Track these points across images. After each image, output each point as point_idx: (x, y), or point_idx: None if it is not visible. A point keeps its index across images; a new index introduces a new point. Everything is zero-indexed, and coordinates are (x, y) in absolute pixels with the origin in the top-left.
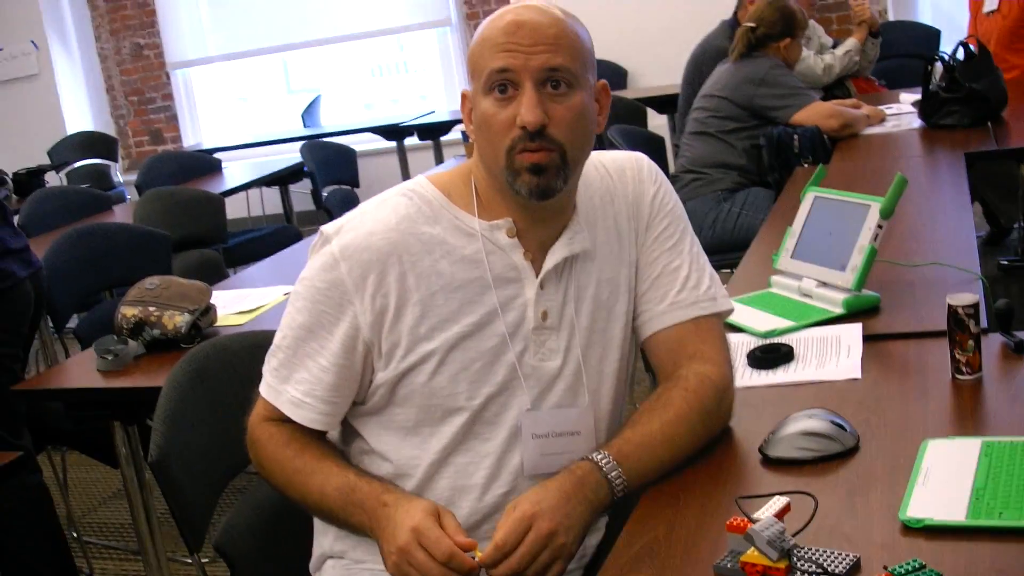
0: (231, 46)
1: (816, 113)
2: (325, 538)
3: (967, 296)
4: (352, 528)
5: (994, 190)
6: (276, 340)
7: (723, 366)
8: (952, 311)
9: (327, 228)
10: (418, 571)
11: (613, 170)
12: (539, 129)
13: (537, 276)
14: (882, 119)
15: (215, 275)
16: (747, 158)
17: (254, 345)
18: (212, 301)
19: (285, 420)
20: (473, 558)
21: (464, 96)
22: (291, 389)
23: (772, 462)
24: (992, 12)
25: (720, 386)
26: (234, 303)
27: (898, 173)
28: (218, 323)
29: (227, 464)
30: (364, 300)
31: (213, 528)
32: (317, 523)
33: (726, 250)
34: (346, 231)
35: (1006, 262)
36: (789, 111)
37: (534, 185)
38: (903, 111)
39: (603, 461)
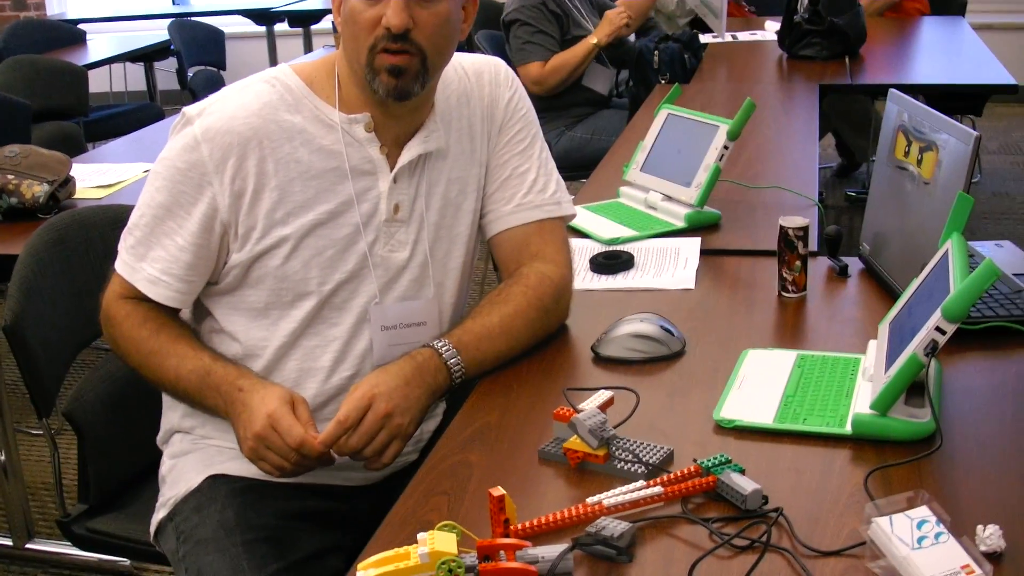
0: None
1: (527, 75)
2: (174, 413)
3: (798, 219)
4: (206, 409)
5: (849, 125)
6: (133, 219)
7: (563, 267)
8: (783, 232)
9: (189, 110)
10: (275, 454)
11: (471, 72)
12: (403, 32)
13: (391, 170)
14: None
15: (74, 148)
16: (578, 91)
17: (113, 219)
18: (71, 173)
19: (141, 298)
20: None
21: None
22: (148, 267)
23: (603, 360)
24: None
25: (559, 285)
26: (93, 177)
27: (748, 98)
28: (77, 196)
29: (79, 334)
30: (223, 182)
31: (60, 401)
32: (166, 398)
33: (580, 167)
34: (208, 114)
35: (853, 193)
36: (525, 57)
37: (392, 86)
38: (766, 38)
39: (443, 348)
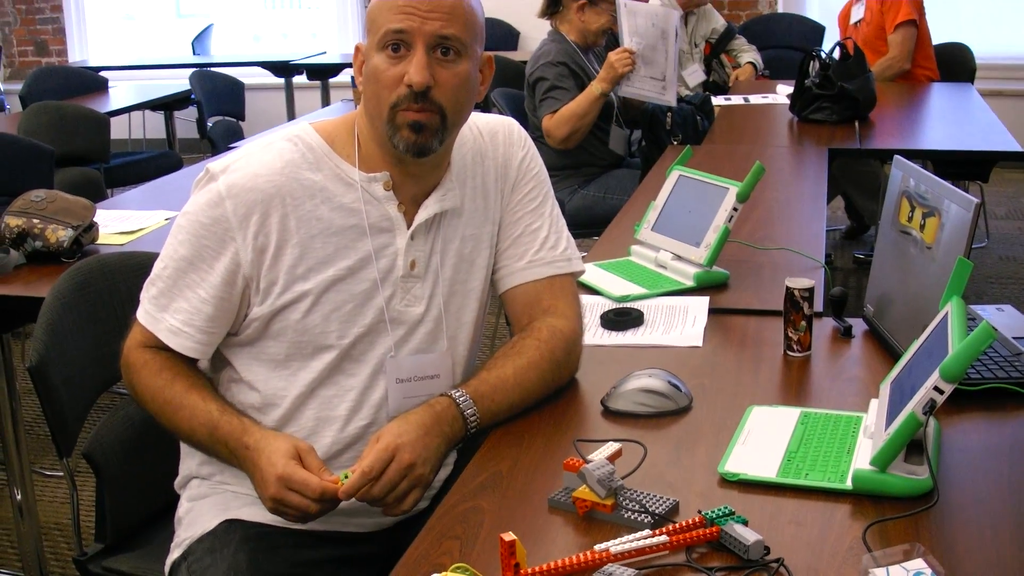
0: None
1: (543, 128)
2: (192, 460)
3: (804, 280)
4: (221, 460)
5: (858, 188)
6: (156, 270)
7: (574, 321)
8: (789, 293)
9: (213, 166)
10: (296, 510)
11: (486, 132)
12: (424, 90)
13: (408, 228)
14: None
15: (94, 194)
16: (592, 150)
17: (136, 265)
18: (94, 219)
19: (160, 347)
20: (345, 478)
21: (358, 49)
22: (170, 317)
23: (611, 413)
24: (858, 22)
25: (570, 339)
26: (116, 223)
27: (757, 162)
28: (99, 241)
29: (101, 376)
30: (246, 237)
31: (80, 442)
32: (184, 445)
33: (592, 224)
34: (232, 170)
35: (861, 255)
36: (542, 110)
37: (411, 142)
38: (777, 101)
39: (460, 398)
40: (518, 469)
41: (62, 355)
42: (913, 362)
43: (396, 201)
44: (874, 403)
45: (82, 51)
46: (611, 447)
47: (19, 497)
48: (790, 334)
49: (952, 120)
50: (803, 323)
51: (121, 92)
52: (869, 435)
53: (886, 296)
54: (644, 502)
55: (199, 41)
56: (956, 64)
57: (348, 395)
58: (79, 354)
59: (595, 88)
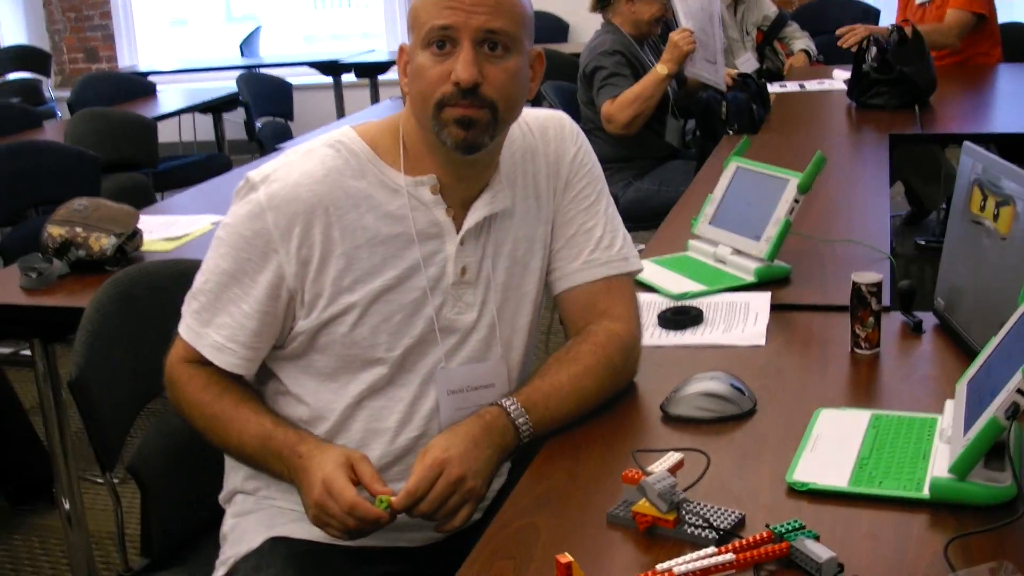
0: None
1: (602, 115)
2: (237, 475)
3: (871, 275)
4: (271, 474)
5: (918, 173)
6: (197, 283)
7: (631, 323)
8: (856, 288)
9: (253, 175)
10: (336, 520)
11: (536, 128)
12: (472, 87)
13: (458, 233)
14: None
15: (143, 199)
16: (647, 141)
17: (180, 274)
18: (139, 226)
19: (204, 362)
20: (385, 505)
21: (402, 49)
22: (213, 333)
23: (672, 419)
24: (926, 3)
25: (628, 343)
26: (161, 229)
27: (818, 151)
28: (144, 248)
29: (144, 387)
30: (289, 250)
31: (126, 451)
32: (229, 459)
33: (647, 218)
34: (273, 180)
35: (923, 242)
36: (601, 98)
37: (460, 138)
38: (834, 87)
39: (511, 407)
40: (574, 482)
41: (103, 368)
42: (992, 361)
43: (444, 205)
44: (950, 404)
45: (131, 57)
46: (672, 457)
47: (67, 507)
48: (857, 331)
49: (1016, 102)
50: (871, 319)
51: (169, 96)
52: (946, 440)
53: (958, 289)
54: (708, 516)
55: (247, 44)
56: (1018, 43)
57: (398, 406)
58: (121, 367)
59: (660, 69)
